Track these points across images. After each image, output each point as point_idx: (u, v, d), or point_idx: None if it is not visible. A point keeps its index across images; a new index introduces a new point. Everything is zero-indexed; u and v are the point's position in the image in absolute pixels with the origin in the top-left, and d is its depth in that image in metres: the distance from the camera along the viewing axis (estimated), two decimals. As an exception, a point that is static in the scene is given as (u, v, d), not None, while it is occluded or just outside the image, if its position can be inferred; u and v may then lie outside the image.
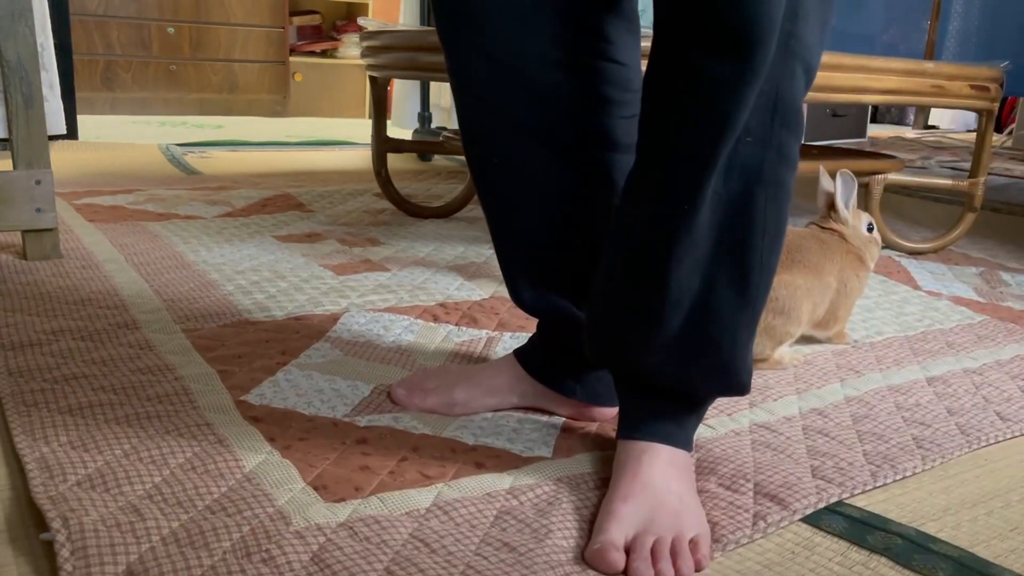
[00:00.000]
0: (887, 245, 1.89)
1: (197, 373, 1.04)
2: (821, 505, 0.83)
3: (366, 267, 1.58)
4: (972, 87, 1.81)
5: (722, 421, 1.01)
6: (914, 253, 1.97)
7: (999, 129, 4.72)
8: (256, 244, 1.71)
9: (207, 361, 1.08)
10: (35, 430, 0.87)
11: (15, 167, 1.44)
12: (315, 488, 0.79)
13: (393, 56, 1.75)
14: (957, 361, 1.26)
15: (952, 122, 5.54)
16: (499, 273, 1.15)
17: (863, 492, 0.87)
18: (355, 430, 0.92)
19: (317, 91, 4.49)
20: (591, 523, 0.77)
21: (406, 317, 1.30)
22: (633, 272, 0.78)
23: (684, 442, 0.84)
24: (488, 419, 0.96)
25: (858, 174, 1.80)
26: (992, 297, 1.64)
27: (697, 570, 0.72)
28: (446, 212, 2.09)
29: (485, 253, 1.74)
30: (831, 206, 1.29)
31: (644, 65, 0.78)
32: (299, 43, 4.49)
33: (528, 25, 0.82)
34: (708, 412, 0.93)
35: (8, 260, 1.48)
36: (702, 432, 0.96)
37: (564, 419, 0.98)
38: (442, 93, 3.49)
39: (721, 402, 1.04)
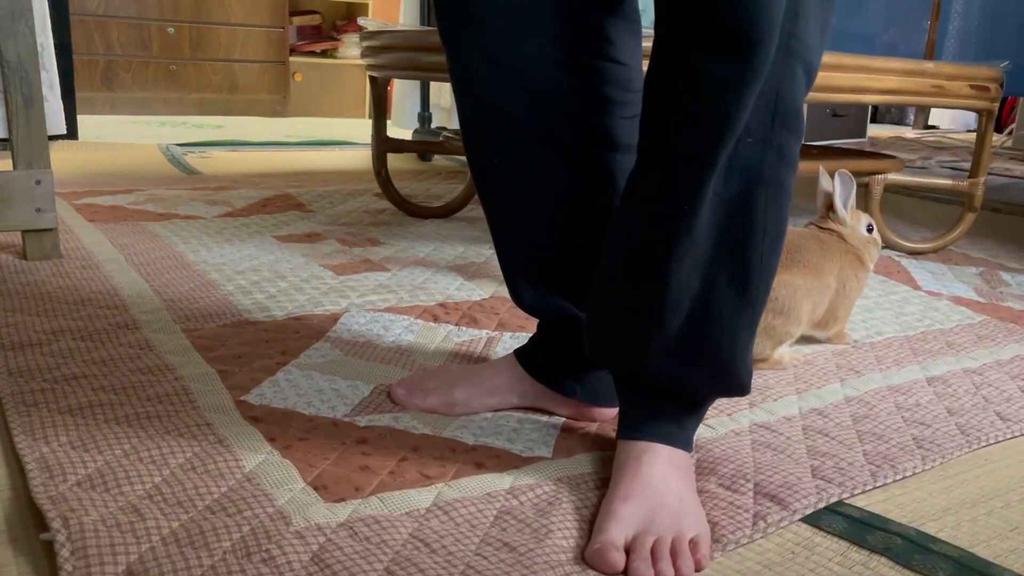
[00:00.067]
0: (887, 245, 1.89)
1: (197, 373, 1.04)
2: (821, 505, 0.83)
3: (366, 267, 1.58)
4: (972, 87, 1.81)
5: (722, 421, 1.01)
6: (914, 253, 1.97)
7: (999, 129, 4.72)
8: (256, 244, 1.71)
9: (207, 361, 1.08)
10: (35, 430, 0.87)
11: (15, 167, 1.44)
12: (315, 488, 0.80)
13: (393, 56, 1.75)
14: (957, 361, 1.26)
15: (952, 122, 5.54)
16: (499, 273, 1.15)
17: (863, 492, 0.87)
18: (355, 430, 0.92)
19: (317, 91, 4.49)
20: (591, 523, 0.77)
21: (406, 317, 1.30)
22: (633, 272, 0.78)
23: (684, 442, 0.84)
24: (488, 419, 0.96)
25: (858, 174, 1.80)
26: (992, 297, 1.64)
27: (697, 570, 0.72)
28: (446, 212, 2.09)
29: (485, 253, 1.74)
30: (830, 206, 1.30)
31: (646, 65, 0.78)
32: (299, 43, 4.49)
33: (528, 25, 0.82)
34: (708, 412, 0.93)
35: (8, 260, 1.48)
36: (702, 432, 0.96)
37: (564, 419, 0.98)
38: (442, 93, 3.49)
39: (721, 402, 1.04)
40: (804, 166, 1.42)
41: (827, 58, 1.40)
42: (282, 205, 2.11)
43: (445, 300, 1.41)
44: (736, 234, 0.75)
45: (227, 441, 0.87)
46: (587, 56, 0.84)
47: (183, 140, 3.28)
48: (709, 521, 0.78)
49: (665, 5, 0.70)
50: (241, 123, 4.03)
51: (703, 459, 0.91)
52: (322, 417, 0.95)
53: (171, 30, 4.05)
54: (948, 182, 1.98)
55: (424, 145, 2.33)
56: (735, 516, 0.80)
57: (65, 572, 0.65)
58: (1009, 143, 4.50)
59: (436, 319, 1.30)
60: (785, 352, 1.19)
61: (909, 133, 5.12)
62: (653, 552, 0.72)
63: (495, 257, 1.24)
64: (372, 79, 1.93)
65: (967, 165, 3.09)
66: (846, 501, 0.85)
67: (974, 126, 3.38)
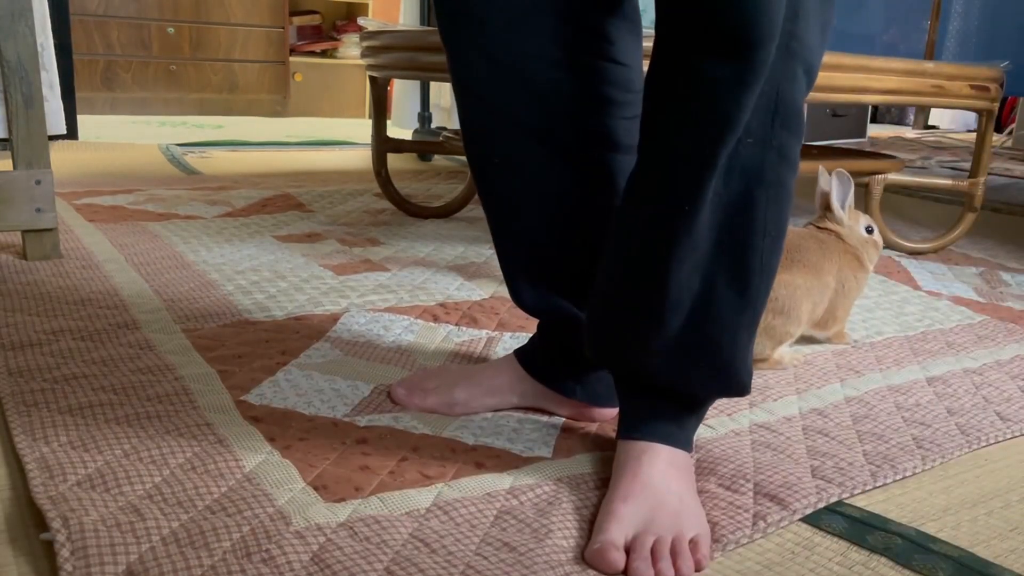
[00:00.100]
0: (887, 245, 1.89)
1: (197, 373, 1.04)
2: (821, 505, 0.83)
3: (366, 267, 1.58)
4: (972, 87, 1.81)
5: (722, 421, 1.01)
6: (914, 253, 1.97)
7: (999, 129, 4.72)
8: (256, 244, 1.71)
9: (207, 361, 1.08)
10: (35, 430, 0.87)
11: (15, 167, 1.44)
12: (315, 488, 0.80)
13: (393, 56, 1.75)
14: (957, 361, 1.26)
15: (952, 122, 5.54)
16: (499, 273, 1.15)
17: (863, 492, 0.87)
18: (355, 430, 0.92)
19: (317, 91, 4.49)
20: (591, 523, 0.77)
21: (406, 317, 1.30)
22: (633, 273, 0.78)
23: (684, 442, 0.84)
24: (488, 419, 0.96)
25: (858, 174, 1.80)
26: (992, 297, 1.64)
27: (697, 570, 0.72)
28: (446, 212, 2.09)
29: (485, 253, 1.74)
30: (828, 206, 1.30)
31: (646, 66, 0.78)
32: (299, 43, 4.49)
33: (529, 25, 0.82)
34: (708, 412, 0.93)
35: (8, 260, 1.48)
36: (702, 432, 0.96)
37: (564, 419, 0.98)
38: (442, 93, 3.49)
39: (721, 402, 1.04)
40: (804, 166, 1.42)
41: (827, 58, 1.40)
42: (282, 205, 2.11)
43: (445, 300, 1.41)
44: (736, 234, 0.75)
45: (227, 441, 0.87)
46: (587, 56, 0.84)
47: (183, 140, 3.28)
48: (709, 521, 0.78)
49: (665, 5, 0.70)
50: (241, 123, 4.03)
51: (703, 459, 0.91)
52: (322, 417, 0.95)
53: (171, 30, 4.05)
54: (948, 182, 1.98)
55: (424, 145, 2.33)
56: (735, 516, 0.80)
57: (65, 572, 0.65)
58: (1009, 143, 4.50)
59: (436, 319, 1.30)
60: (785, 352, 1.19)
61: (909, 133, 5.12)
62: (653, 552, 0.72)
63: (495, 257, 1.24)
64: (372, 79, 1.93)
65: (967, 165, 3.09)
66: (846, 501, 0.85)
67: (974, 126, 3.38)
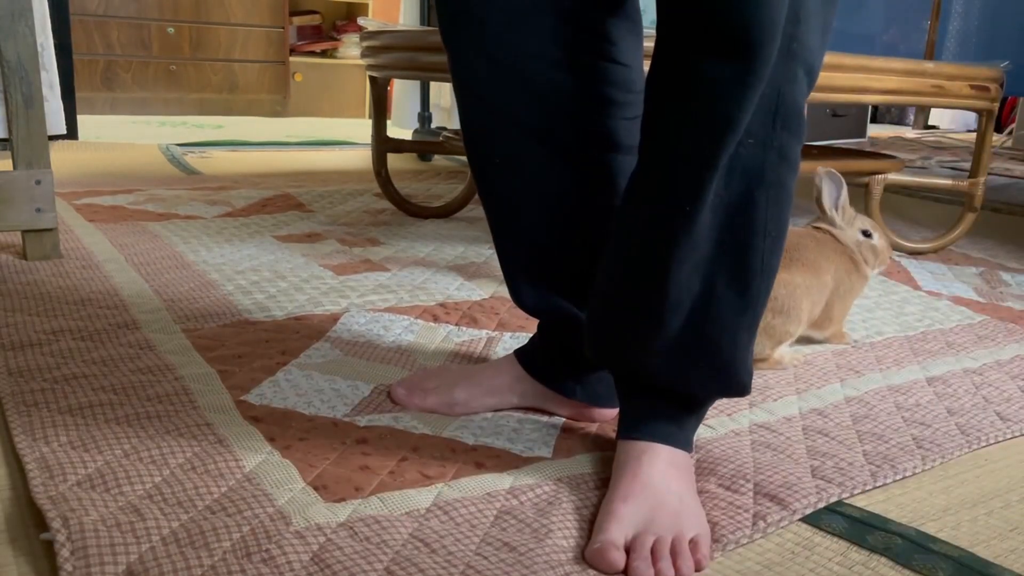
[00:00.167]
0: (887, 245, 1.88)
1: (197, 373, 1.04)
2: (821, 505, 0.83)
3: (366, 267, 1.58)
4: (972, 87, 1.81)
5: (722, 421, 1.01)
6: (914, 253, 1.97)
7: (999, 129, 4.72)
8: (256, 244, 1.71)
9: (207, 361, 1.08)
10: (35, 430, 0.87)
11: (15, 167, 1.44)
12: (315, 488, 0.80)
13: (393, 56, 1.75)
14: (957, 361, 1.26)
15: (952, 122, 5.54)
16: (499, 273, 1.15)
17: (863, 492, 0.87)
18: (355, 430, 0.92)
19: (317, 91, 4.49)
20: (591, 523, 0.77)
21: (406, 317, 1.30)
22: (634, 273, 0.78)
23: (684, 443, 0.84)
24: (488, 419, 0.96)
25: (858, 174, 1.81)
26: (992, 297, 1.64)
27: (697, 570, 0.72)
28: (446, 212, 2.09)
29: (485, 253, 1.74)
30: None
31: (647, 66, 0.78)
32: (299, 43, 4.49)
33: (529, 25, 0.82)
34: (708, 412, 0.93)
35: (8, 260, 1.48)
36: (702, 432, 0.96)
37: (564, 419, 0.98)
38: (442, 93, 3.48)
39: (721, 402, 1.04)
40: (804, 166, 1.41)
41: (827, 58, 1.40)
42: (282, 205, 2.11)
43: (445, 300, 1.41)
44: (737, 235, 0.75)
45: (227, 441, 0.87)
46: (588, 56, 0.84)
47: (183, 140, 3.28)
48: (709, 521, 0.78)
49: (666, 5, 0.70)
50: (241, 123, 4.03)
51: (703, 459, 0.91)
52: (322, 417, 0.95)
53: (171, 30, 4.05)
54: (948, 182, 1.98)
55: (424, 145, 2.33)
56: (735, 516, 0.80)
57: (65, 572, 0.65)
58: (1009, 143, 4.50)
59: (436, 319, 1.30)
60: (785, 352, 1.19)
61: (909, 133, 5.12)
62: (653, 552, 0.72)
63: (495, 257, 1.24)
64: (372, 79, 1.93)
65: (967, 165, 3.09)
66: (846, 501, 0.85)
67: (974, 126, 3.38)
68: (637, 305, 0.78)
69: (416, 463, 0.86)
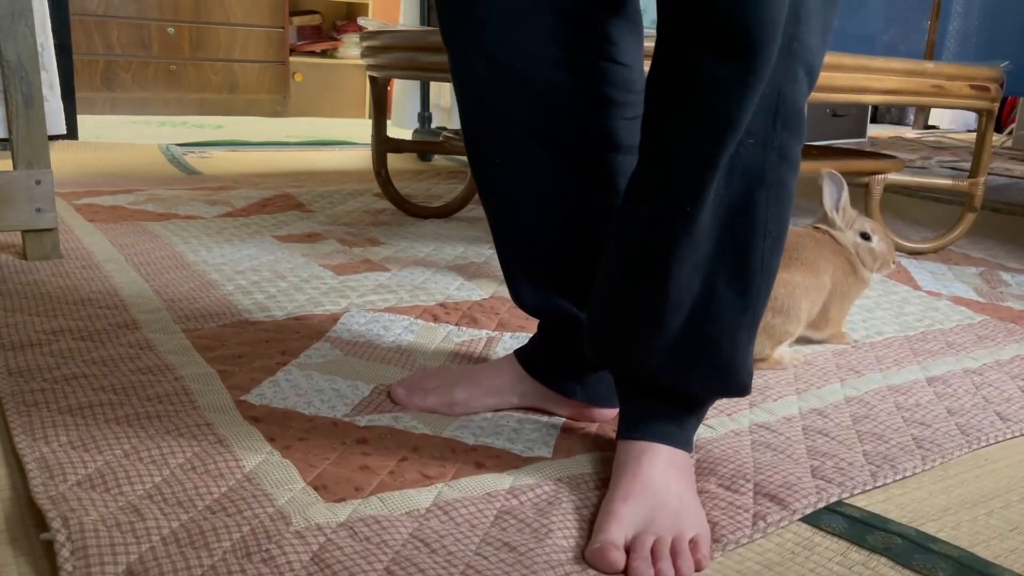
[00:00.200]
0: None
1: (197, 373, 1.04)
2: (821, 505, 0.83)
3: (366, 267, 1.58)
4: (972, 87, 1.81)
5: (722, 421, 1.01)
6: (914, 253, 1.97)
7: (999, 129, 4.72)
8: (256, 244, 1.71)
9: (207, 361, 1.08)
10: (35, 430, 0.87)
11: (15, 167, 1.44)
12: (315, 488, 0.80)
13: (393, 56, 1.75)
14: (957, 361, 1.26)
15: (952, 122, 5.54)
16: (499, 273, 1.15)
17: (863, 492, 0.87)
18: (355, 430, 0.92)
19: (317, 91, 4.49)
20: (591, 523, 0.77)
21: (406, 317, 1.30)
22: (634, 273, 0.78)
23: (684, 443, 0.84)
24: (488, 419, 0.96)
25: (858, 174, 1.80)
26: (992, 297, 1.64)
27: (697, 570, 0.72)
28: (446, 212, 2.09)
29: (485, 253, 1.74)
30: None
31: (647, 66, 0.78)
32: (299, 43, 4.49)
33: (529, 25, 0.82)
34: (708, 412, 0.93)
35: (8, 260, 1.48)
36: (702, 432, 0.96)
37: (564, 419, 0.98)
38: (442, 93, 3.48)
39: (721, 402, 1.04)
40: (804, 166, 1.42)
41: (828, 58, 1.40)
42: (282, 205, 2.11)
43: (445, 300, 1.41)
44: (737, 235, 0.75)
45: (227, 441, 0.87)
46: (588, 56, 0.84)
47: (183, 140, 3.28)
48: (709, 521, 0.78)
49: (666, 5, 0.70)
50: (241, 123, 4.03)
51: (703, 459, 0.91)
52: (322, 417, 0.95)
53: (171, 30, 4.05)
54: (948, 182, 1.98)
55: (424, 145, 2.33)
56: (735, 516, 0.80)
57: (65, 572, 0.65)
58: (1009, 143, 4.50)
59: (436, 319, 1.30)
60: (785, 352, 1.19)
61: (909, 133, 5.12)
62: (653, 552, 0.72)
63: (495, 257, 1.24)
64: (372, 79, 1.93)
65: (967, 165, 3.08)
66: (846, 501, 0.85)
67: (974, 126, 3.38)
68: (637, 305, 0.78)
69: (416, 463, 0.86)
